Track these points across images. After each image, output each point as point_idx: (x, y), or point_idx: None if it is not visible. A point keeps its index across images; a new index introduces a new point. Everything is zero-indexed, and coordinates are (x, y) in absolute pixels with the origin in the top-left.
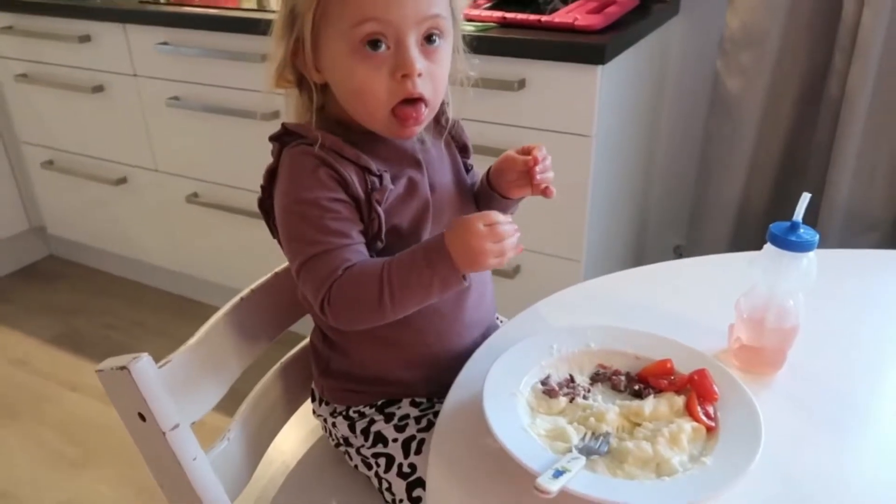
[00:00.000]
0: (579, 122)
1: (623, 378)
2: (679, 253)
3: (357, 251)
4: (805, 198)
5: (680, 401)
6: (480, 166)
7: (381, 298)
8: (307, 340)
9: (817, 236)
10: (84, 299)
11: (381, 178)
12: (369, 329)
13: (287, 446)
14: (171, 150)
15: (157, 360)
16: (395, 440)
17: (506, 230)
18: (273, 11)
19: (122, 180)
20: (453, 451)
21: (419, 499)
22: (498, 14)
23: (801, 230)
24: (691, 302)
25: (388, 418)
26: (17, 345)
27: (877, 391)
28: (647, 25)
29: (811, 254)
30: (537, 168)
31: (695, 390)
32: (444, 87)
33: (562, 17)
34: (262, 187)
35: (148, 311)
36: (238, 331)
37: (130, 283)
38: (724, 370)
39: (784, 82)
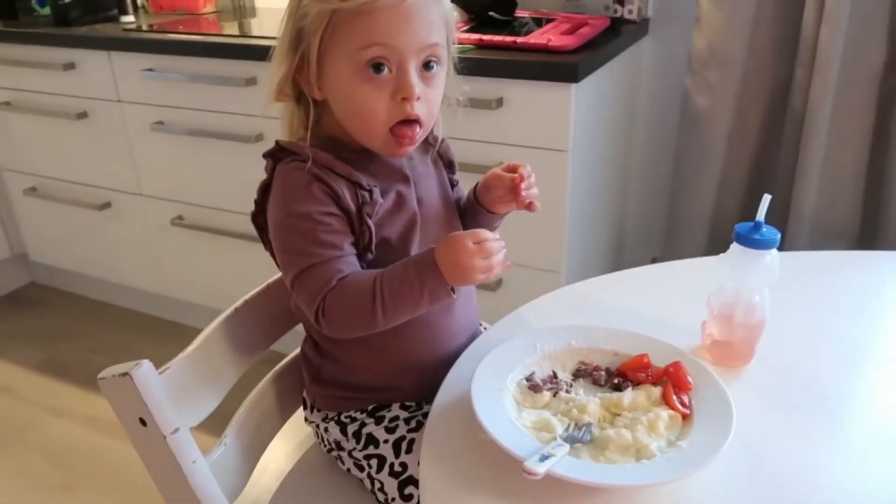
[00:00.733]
0: (556, 138)
1: (603, 373)
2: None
3: (349, 262)
4: (766, 199)
5: (657, 391)
6: (462, 182)
7: (373, 309)
8: (298, 350)
9: (779, 234)
10: (67, 325)
11: (371, 192)
12: (360, 337)
13: (280, 453)
14: (155, 174)
15: None
16: (385, 441)
17: (493, 247)
18: (255, 37)
19: (107, 205)
20: (444, 445)
21: (411, 496)
22: (475, 36)
23: (764, 229)
24: (666, 303)
25: (379, 421)
26: (0, 372)
27: (839, 380)
28: (618, 45)
29: (774, 251)
30: (523, 185)
31: (670, 381)
32: (437, 110)
33: (536, 38)
34: (255, 202)
35: (132, 335)
36: (233, 339)
37: (113, 307)
38: (697, 362)
39: (750, 98)
